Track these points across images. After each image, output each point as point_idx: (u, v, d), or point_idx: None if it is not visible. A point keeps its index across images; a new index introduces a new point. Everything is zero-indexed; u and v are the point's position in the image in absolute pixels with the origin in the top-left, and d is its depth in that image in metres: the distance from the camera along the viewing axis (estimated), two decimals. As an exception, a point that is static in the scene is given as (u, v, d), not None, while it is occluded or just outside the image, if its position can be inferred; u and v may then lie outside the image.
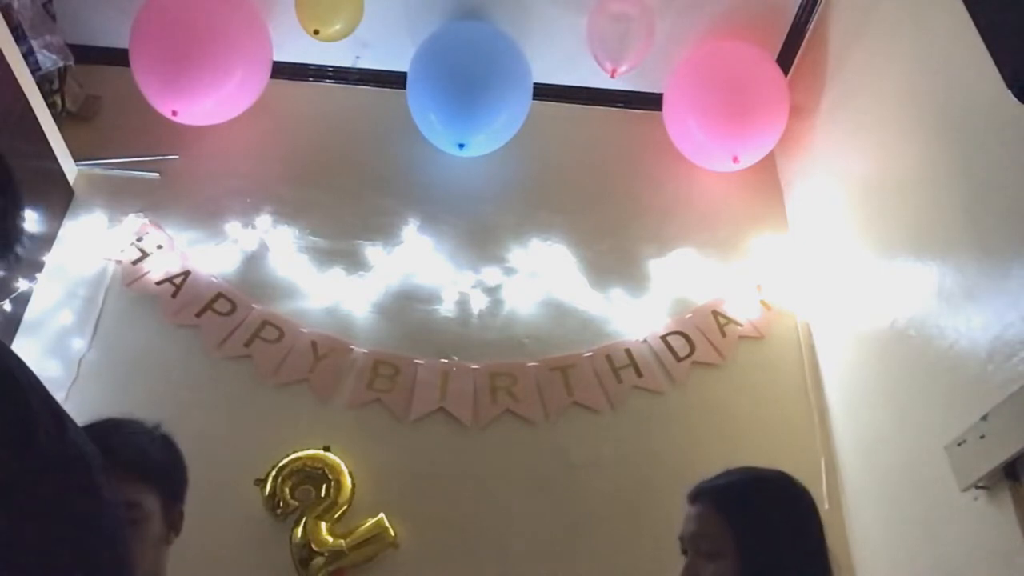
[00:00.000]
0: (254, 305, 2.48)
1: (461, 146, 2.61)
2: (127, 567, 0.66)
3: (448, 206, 2.72)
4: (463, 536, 2.22)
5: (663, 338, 2.52)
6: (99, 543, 0.62)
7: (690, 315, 2.57)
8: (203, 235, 2.61)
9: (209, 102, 2.56)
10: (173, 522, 1.30)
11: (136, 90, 2.55)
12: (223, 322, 2.44)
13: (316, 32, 2.48)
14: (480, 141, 2.66)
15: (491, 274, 2.61)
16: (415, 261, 2.61)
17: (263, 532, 2.16)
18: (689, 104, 2.70)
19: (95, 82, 2.80)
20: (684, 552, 1.34)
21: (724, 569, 1.26)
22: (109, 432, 1.26)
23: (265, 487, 2.16)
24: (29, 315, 2.39)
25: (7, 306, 2.30)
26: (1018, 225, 1.64)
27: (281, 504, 2.15)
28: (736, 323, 2.55)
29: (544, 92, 2.85)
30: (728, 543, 1.27)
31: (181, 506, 1.33)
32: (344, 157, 2.80)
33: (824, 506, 2.26)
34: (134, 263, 2.52)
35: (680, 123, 2.76)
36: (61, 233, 2.55)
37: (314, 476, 2.20)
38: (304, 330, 2.46)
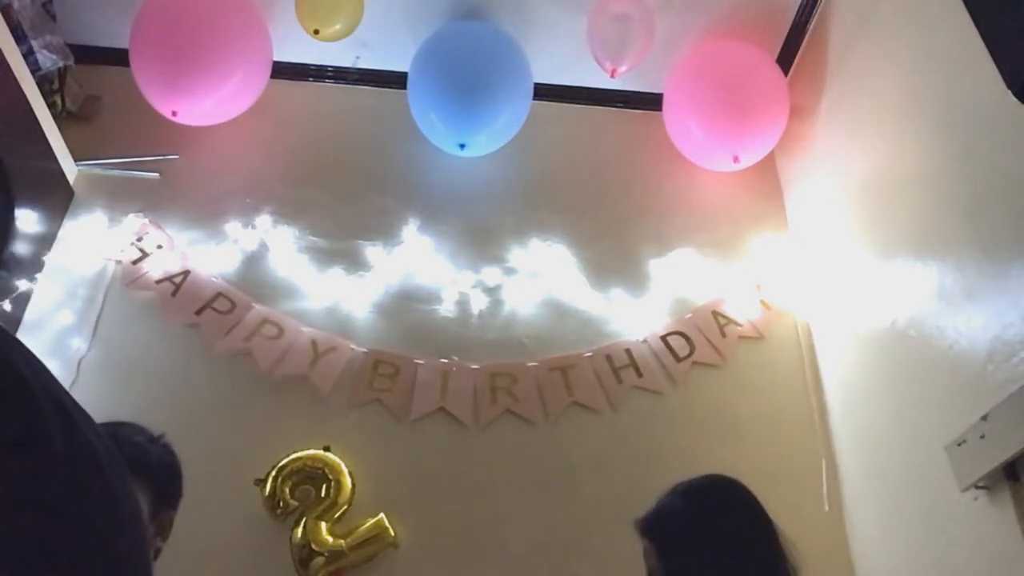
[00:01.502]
0: (254, 305, 2.48)
1: (462, 146, 2.61)
2: (140, 559, 0.65)
3: (448, 206, 2.72)
4: (463, 536, 2.22)
5: (663, 338, 2.52)
6: (112, 540, 0.61)
7: (690, 315, 2.57)
8: (203, 235, 2.61)
9: (209, 102, 2.56)
10: (161, 527, 1.30)
11: (136, 90, 2.55)
12: (223, 321, 2.44)
13: (316, 32, 2.48)
14: (481, 141, 2.66)
15: (491, 274, 2.61)
16: (415, 261, 2.61)
17: (263, 532, 2.16)
18: (689, 104, 2.70)
19: (95, 82, 2.80)
20: None
21: None
22: (112, 431, 1.27)
23: (265, 487, 2.16)
24: (29, 315, 2.39)
25: (7, 306, 2.29)
26: (1018, 225, 1.64)
27: (281, 504, 2.15)
28: (736, 323, 2.55)
29: (544, 92, 2.85)
30: (658, 565, 1.41)
31: (172, 513, 1.33)
32: (344, 157, 2.80)
33: (824, 507, 2.27)
34: (134, 263, 2.51)
35: (680, 123, 2.75)
36: (61, 233, 2.55)
37: (314, 476, 2.20)
38: (304, 329, 2.46)
